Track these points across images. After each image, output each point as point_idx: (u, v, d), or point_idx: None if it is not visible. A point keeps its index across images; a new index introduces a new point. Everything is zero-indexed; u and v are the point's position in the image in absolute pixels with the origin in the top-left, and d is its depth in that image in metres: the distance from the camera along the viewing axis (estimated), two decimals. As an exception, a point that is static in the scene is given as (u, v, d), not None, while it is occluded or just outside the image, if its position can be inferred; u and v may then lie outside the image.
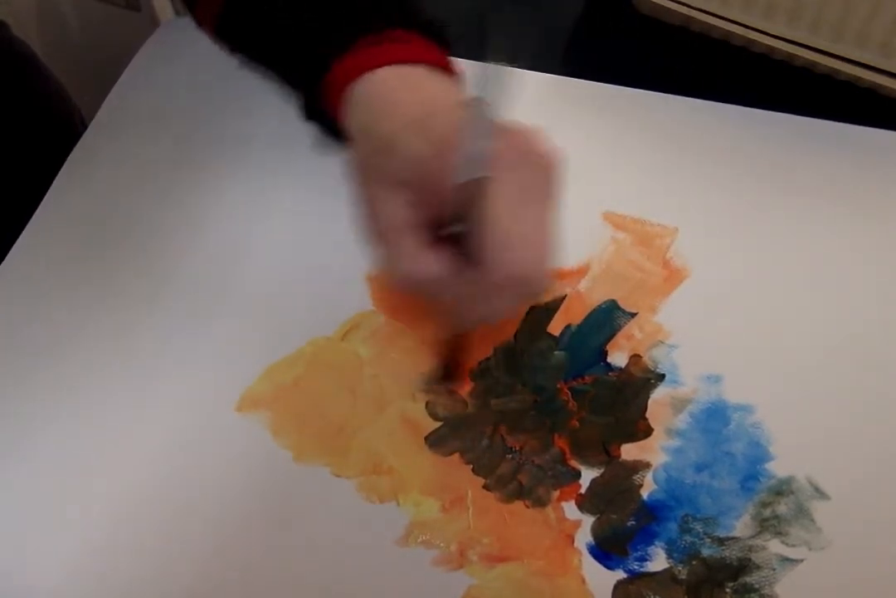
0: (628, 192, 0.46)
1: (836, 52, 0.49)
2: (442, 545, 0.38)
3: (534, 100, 0.45)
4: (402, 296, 0.43)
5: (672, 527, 0.38)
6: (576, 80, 0.50)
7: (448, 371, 0.39)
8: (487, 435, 0.40)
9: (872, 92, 0.50)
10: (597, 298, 0.43)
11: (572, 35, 0.56)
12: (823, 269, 0.44)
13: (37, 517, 0.39)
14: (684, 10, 0.51)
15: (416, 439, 0.40)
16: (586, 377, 0.41)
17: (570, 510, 0.38)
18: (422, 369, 0.42)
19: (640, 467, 0.39)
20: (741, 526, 0.38)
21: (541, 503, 0.38)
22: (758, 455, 0.39)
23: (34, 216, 0.48)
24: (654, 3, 0.52)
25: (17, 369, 0.43)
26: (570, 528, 0.38)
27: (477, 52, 0.45)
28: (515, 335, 0.42)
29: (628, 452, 0.39)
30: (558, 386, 0.41)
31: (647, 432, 0.40)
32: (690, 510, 0.38)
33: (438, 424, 0.40)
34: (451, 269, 0.35)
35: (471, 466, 0.39)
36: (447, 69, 0.41)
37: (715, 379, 0.41)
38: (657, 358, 0.41)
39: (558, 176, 0.37)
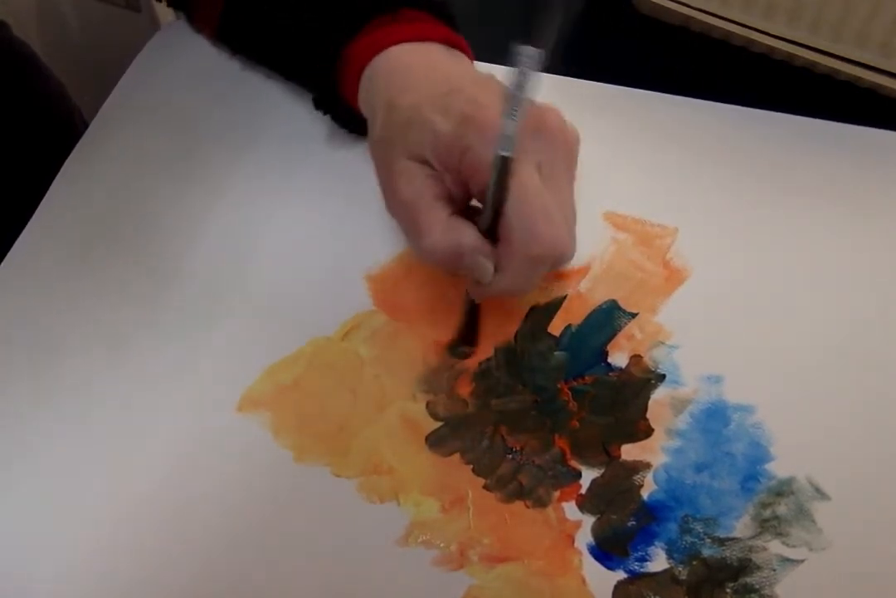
0: (628, 192, 0.46)
1: (836, 52, 0.49)
2: (442, 545, 0.38)
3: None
4: (402, 296, 0.44)
5: (672, 527, 0.38)
6: (576, 80, 0.50)
7: (467, 337, 0.41)
8: (488, 435, 0.40)
9: (872, 92, 0.50)
10: (597, 298, 0.43)
11: (572, 35, 0.56)
12: (823, 269, 0.44)
13: (37, 517, 0.39)
14: (684, 10, 0.51)
15: (416, 439, 0.40)
16: (587, 378, 0.41)
17: (571, 510, 0.38)
18: (422, 369, 0.42)
19: (640, 467, 0.39)
20: (741, 527, 0.37)
21: (541, 503, 0.38)
22: (758, 456, 0.39)
23: (34, 216, 0.48)
24: (654, 3, 0.52)
25: (16, 368, 0.43)
26: (570, 528, 0.38)
27: (476, 53, 0.45)
28: (515, 336, 0.42)
29: (628, 452, 0.39)
30: (559, 386, 0.41)
31: (648, 432, 0.40)
32: (691, 510, 0.38)
33: (439, 424, 0.40)
34: (477, 240, 0.35)
35: (471, 466, 0.39)
36: (458, 46, 0.41)
37: (715, 379, 0.41)
38: (658, 358, 0.41)
39: (577, 151, 0.37)
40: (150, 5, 0.75)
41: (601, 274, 0.44)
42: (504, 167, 0.33)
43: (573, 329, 0.42)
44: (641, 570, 0.37)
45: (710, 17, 0.51)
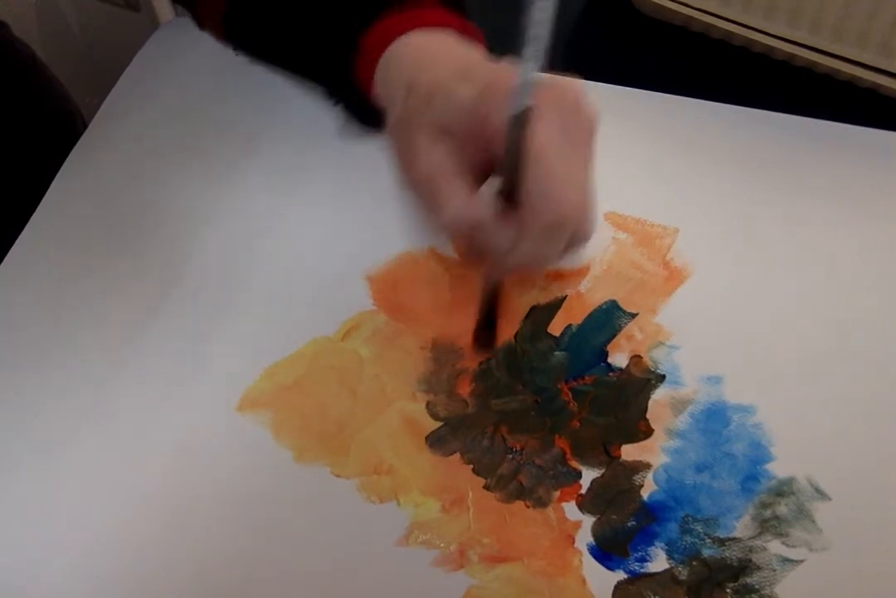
0: (629, 192, 0.46)
1: (836, 52, 0.49)
2: (442, 545, 0.38)
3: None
4: (402, 296, 0.44)
5: (672, 528, 0.38)
6: (576, 80, 0.50)
7: (484, 340, 0.41)
8: (488, 435, 0.40)
9: (872, 92, 0.50)
10: (597, 298, 0.43)
11: (572, 35, 0.56)
12: (823, 269, 0.44)
13: (37, 516, 0.39)
14: (684, 10, 0.51)
15: (416, 440, 0.40)
16: (587, 378, 0.41)
17: (571, 510, 0.38)
18: (422, 369, 0.42)
19: (640, 467, 0.39)
20: (741, 527, 0.37)
21: (541, 503, 0.38)
22: (758, 456, 0.39)
23: (34, 216, 0.48)
24: (654, 3, 0.52)
25: (17, 368, 0.43)
26: (570, 528, 0.38)
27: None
28: (516, 336, 0.42)
29: (628, 452, 0.39)
30: (559, 386, 0.41)
31: (648, 432, 0.40)
32: (691, 510, 0.38)
33: (439, 424, 0.40)
34: (498, 211, 0.35)
35: (471, 466, 0.39)
36: (472, 35, 0.42)
37: (715, 380, 0.41)
38: (658, 359, 0.41)
39: (596, 125, 0.37)
40: (149, 5, 0.75)
41: (601, 274, 0.44)
42: (523, 121, 0.32)
43: (573, 329, 0.42)
44: (641, 570, 0.37)
45: (710, 17, 0.51)
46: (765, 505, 0.38)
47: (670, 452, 0.39)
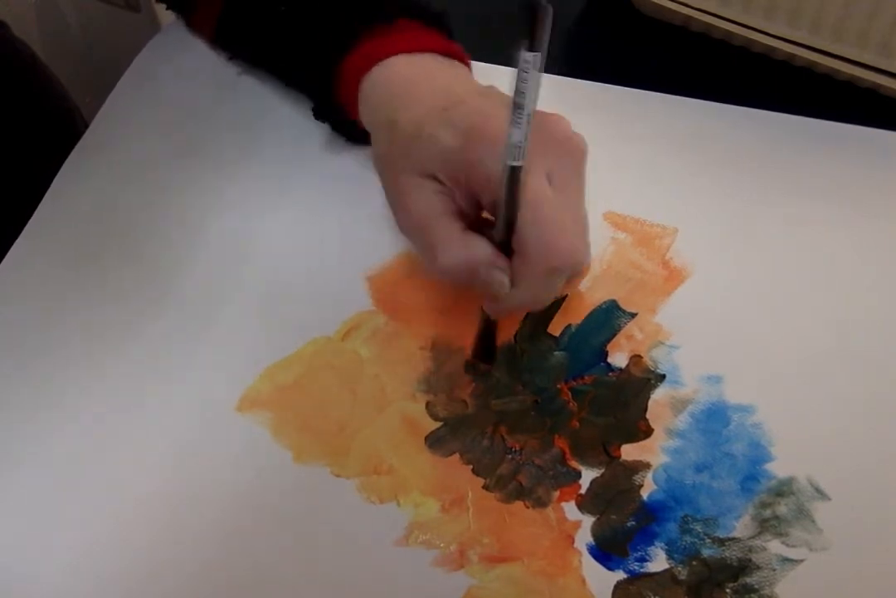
0: (628, 192, 0.46)
1: (836, 52, 0.49)
2: (442, 545, 0.38)
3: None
4: (402, 296, 0.44)
5: (672, 528, 0.38)
6: (576, 80, 0.50)
7: (484, 354, 0.41)
8: (488, 436, 0.40)
9: (872, 92, 0.50)
10: (597, 298, 0.43)
11: (572, 35, 0.56)
12: (823, 269, 0.44)
13: (37, 516, 0.39)
14: (684, 10, 0.51)
15: (416, 440, 0.40)
16: (586, 378, 0.41)
17: (571, 510, 0.38)
18: (422, 369, 0.42)
19: (640, 467, 0.39)
20: (741, 527, 0.37)
21: (541, 503, 0.38)
22: (758, 456, 0.39)
23: (34, 216, 0.48)
24: (654, 3, 0.52)
25: (16, 368, 0.43)
26: (570, 528, 0.38)
27: (476, 53, 0.45)
28: (515, 336, 0.42)
29: (628, 452, 0.39)
30: (559, 386, 0.41)
31: (648, 432, 0.40)
32: (690, 510, 0.38)
33: (438, 424, 0.40)
34: (492, 254, 0.35)
35: (471, 466, 0.39)
36: (455, 56, 0.41)
37: (715, 380, 0.41)
38: (657, 358, 0.41)
39: (585, 159, 0.37)
40: (150, 5, 0.75)
41: (601, 274, 0.44)
42: (514, 177, 0.32)
43: (573, 329, 0.42)
44: (641, 570, 0.37)
45: (710, 17, 0.51)
46: (765, 505, 0.38)
47: (670, 452, 0.39)
